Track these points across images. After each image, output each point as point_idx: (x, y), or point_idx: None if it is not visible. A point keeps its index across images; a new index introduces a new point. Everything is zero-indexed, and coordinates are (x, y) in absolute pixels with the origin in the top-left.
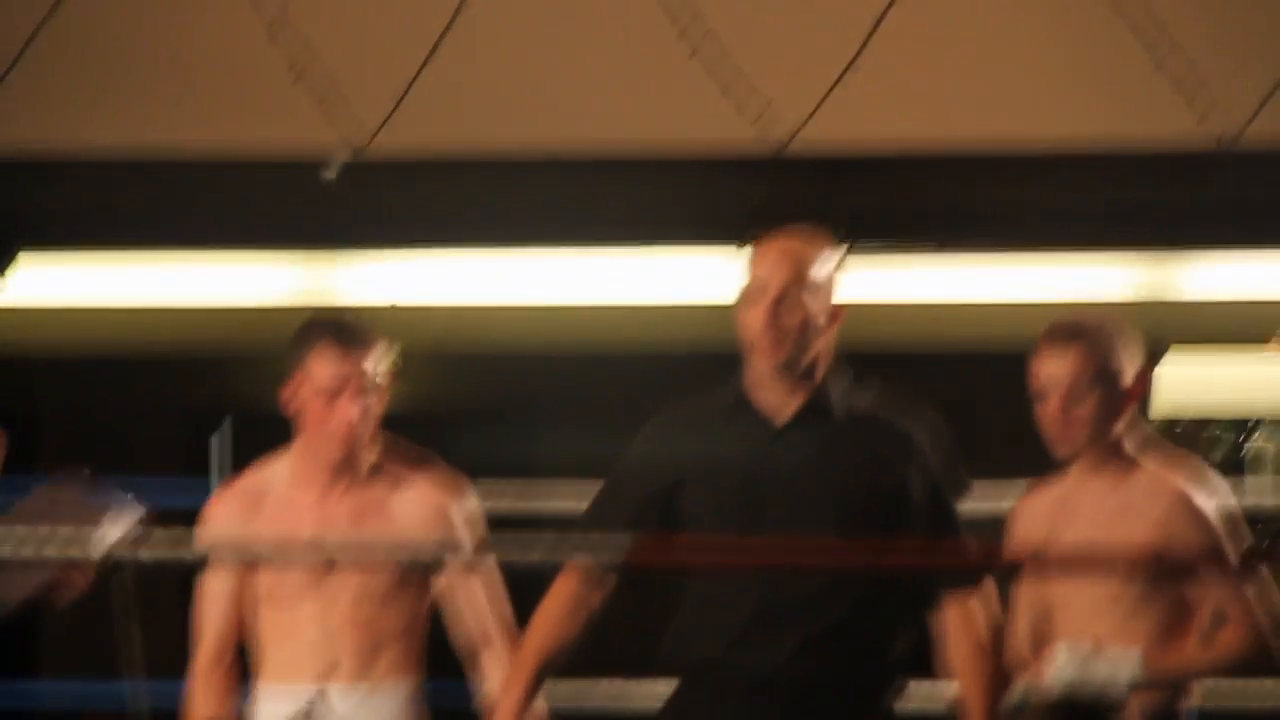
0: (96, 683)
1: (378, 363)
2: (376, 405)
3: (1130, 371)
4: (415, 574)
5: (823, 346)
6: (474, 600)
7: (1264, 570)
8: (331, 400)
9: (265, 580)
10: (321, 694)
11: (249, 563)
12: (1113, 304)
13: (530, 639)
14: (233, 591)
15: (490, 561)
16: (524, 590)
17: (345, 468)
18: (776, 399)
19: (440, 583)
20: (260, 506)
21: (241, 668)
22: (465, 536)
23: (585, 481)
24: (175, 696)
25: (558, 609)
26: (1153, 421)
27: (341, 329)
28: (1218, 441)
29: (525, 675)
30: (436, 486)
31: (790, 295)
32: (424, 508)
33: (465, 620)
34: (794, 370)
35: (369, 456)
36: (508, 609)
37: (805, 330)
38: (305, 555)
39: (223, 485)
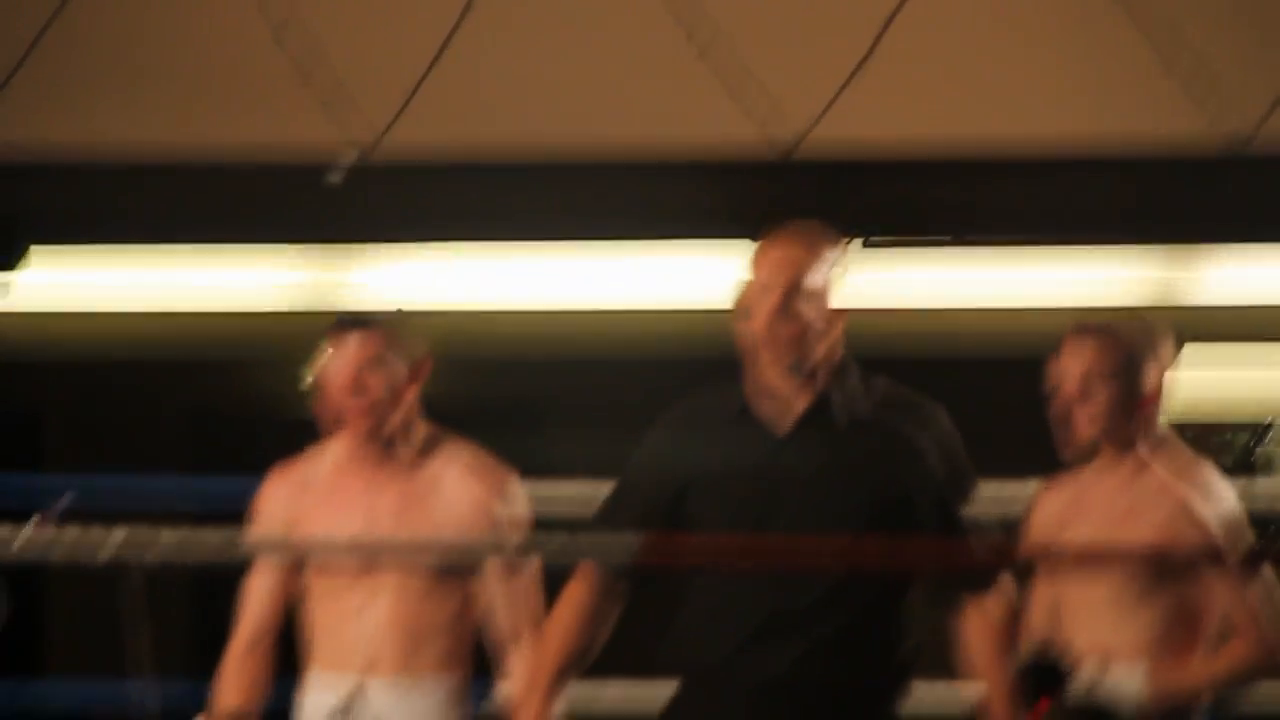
0: (103, 683)
1: (394, 352)
2: (404, 394)
3: (1150, 376)
4: (460, 567)
5: (826, 350)
6: (507, 597)
7: (1270, 576)
8: (343, 387)
9: (312, 570)
10: (361, 688)
11: (290, 555)
12: (1124, 305)
13: (548, 645)
14: (276, 579)
15: (531, 557)
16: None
17: (384, 457)
18: (779, 407)
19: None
20: (308, 493)
21: (280, 656)
22: (507, 531)
23: (595, 484)
24: (183, 697)
25: (573, 615)
26: (1165, 424)
27: (354, 320)
28: (1231, 443)
29: (544, 684)
30: (482, 480)
31: (793, 298)
32: (469, 501)
33: (497, 616)
34: (800, 370)
35: (409, 447)
36: (541, 608)
37: (809, 333)
38: (347, 550)
39: (276, 469)
